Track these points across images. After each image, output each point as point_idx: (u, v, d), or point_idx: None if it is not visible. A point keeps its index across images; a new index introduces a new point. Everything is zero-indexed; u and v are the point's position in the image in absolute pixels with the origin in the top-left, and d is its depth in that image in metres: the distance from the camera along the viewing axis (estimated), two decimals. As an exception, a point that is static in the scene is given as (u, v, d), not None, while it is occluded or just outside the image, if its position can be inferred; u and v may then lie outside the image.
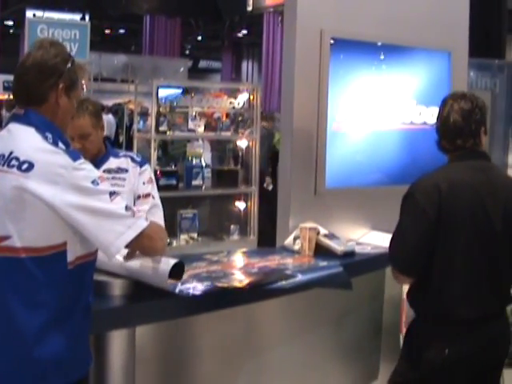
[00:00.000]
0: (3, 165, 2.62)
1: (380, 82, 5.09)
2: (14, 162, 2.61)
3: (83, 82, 2.93)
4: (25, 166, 2.58)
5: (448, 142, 3.53)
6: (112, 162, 4.25)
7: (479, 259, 3.39)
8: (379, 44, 5.08)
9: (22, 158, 2.60)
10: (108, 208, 2.65)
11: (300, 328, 4.43)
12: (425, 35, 5.28)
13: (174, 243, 8.37)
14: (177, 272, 3.25)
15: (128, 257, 3.03)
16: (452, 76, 5.41)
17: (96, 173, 2.70)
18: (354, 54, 4.96)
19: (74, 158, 2.63)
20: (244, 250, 4.68)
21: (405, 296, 3.89)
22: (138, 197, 4.35)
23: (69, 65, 2.75)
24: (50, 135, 2.67)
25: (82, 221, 2.60)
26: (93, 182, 2.63)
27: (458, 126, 3.47)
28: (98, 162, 4.19)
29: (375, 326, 4.88)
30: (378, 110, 5.10)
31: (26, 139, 2.66)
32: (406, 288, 3.79)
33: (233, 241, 8.77)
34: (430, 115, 5.27)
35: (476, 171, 3.48)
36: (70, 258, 2.64)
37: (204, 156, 9.24)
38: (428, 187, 3.42)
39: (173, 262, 3.23)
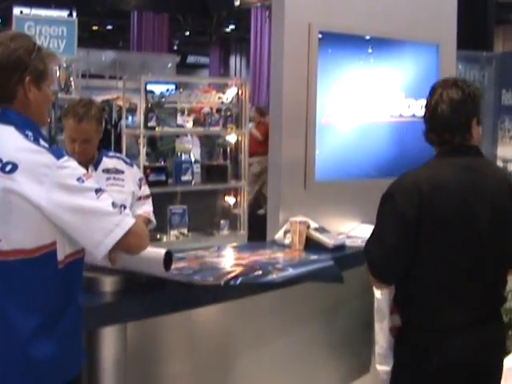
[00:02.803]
0: None
1: (368, 76, 5.09)
2: None
3: (54, 68, 2.86)
4: (8, 168, 2.52)
5: (435, 134, 3.28)
6: (106, 163, 4.29)
7: (465, 262, 3.17)
8: (367, 37, 5.08)
9: (4, 160, 2.53)
10: (95, 206, 2.60)
11: (291, 322, 4.43)
12: (413, 28, 5.29)
13: (165, 239, 8.37)
14: (167, 261, 3.25)
15: (112, 262, 2.99)
16: (440, 68, 5.41)
17: (81, 170, 2.64)
18: (342, 47, 4.95)
19: (58, 156, 2.57)
20: (234, 244, 4.68)
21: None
22: (139, 198, 4.41)
23: (33, 55, 2.65)
24: (30, 133, 2.61)
25: (69, 220, 2.55)
26: (78, 179, 2.57)
27: (446, 119, 3.21)
28: (95, 163, 4.23)
29: (366, 320, 4.85)
30: (366, 103, 5.10)
31: (6, 139, 2.59)
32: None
33: (223, 236, 8.78)
34: (419, 108, 5.28)
35: (462, 170, 3.22)
36: (60, 257, 2.60)
37: (193, 151, 9.23)
38: (408, 188, 3.17)
39: (163, 251, 3.23)
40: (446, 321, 3.21)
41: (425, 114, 3.36)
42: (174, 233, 8.46)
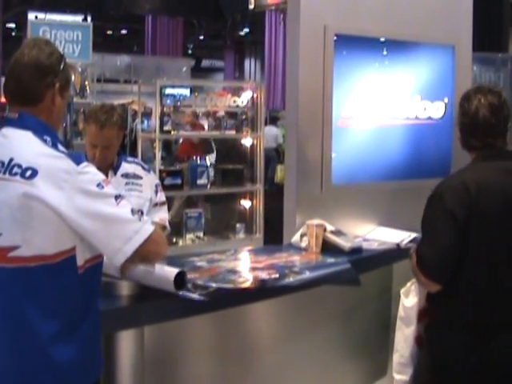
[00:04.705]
0: (4, 173, 2.55)
1: (384, 78, 5.07)
2: (16, 170, 2.53)
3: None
4: (28, 173, 2.52)
5: (477, 139, 3.34)
6: (126, 167, 4.30)
7: (509, 264, 3.24)
8: (383, 40, 5.06)
9: (24, 165, 2.53)
10: (115, 212, 2.59)
11: (307, 325, 4.42)
12: (428, 30, 5.26)
13: (180, 243, 8.38)
14: (179, 280, 3.23)
15: (123, 274, 2.98)
16: (456, 70, 5.39)
17: (100, 176, 2.63)
18: (357, 50, 4.93)
19: (77, 161, 2.57)
20: (251, 247, 4.67)
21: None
22: (155, 204, 4.41)
23: (62, 64, 2.69)
24: (48, 138, 2.60)
25: (88, 227, 2.54)
26: (98, 185, 2.57)
27: (488, 123, 3.30)
28: (114, 168, 4.24)
29: (383, 322, 4.86)
30: (382, 105, 5.08)
31: (25, 144, 2.59)
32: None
33: (239, 239, 8.77)
34: (435, 110, 5.26)
35: (504, 172, 3.30)
36: (80, 262, 2.59)
37: (209, 155, 9.25)
38: (457, 188, 3.23)
39: (175, 271, 3.21)
40: (489, 320, 3.23)
41: (463, 120, 3.40)
42: (189, 236, 8.47)
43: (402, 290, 3.84)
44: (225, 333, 3.92)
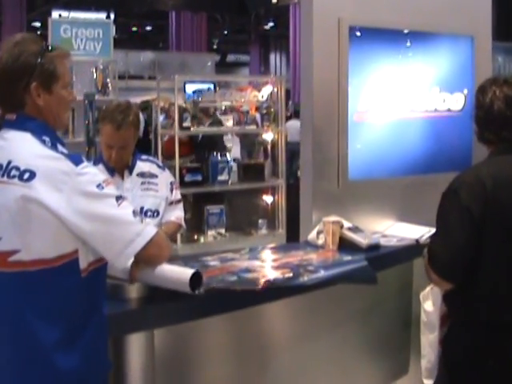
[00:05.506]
0: (3, 175, 2.51)
1: (401, 70, 4.97)
2: (14, 172, 2.49)
3: (69, 66, 2.71)
4: (26, 176, 2.47)
5: (492, 133, 3.22)
6: (140, 166, 4.26)
7: None
8: (399, 31, 4.96)
9: (22, 167, 2.48)
10: (115, 213, 2.54)
11: (326, 324, 4.34)
12: (446, 20, 5.14)
13: (202, 239, 8.36)
14: (195, 281, 3.14)
15: (133, 279, 2.91)
16: (475, 61, 5.27)
17: (101, 176, 2.58)
18: (373, 42, 4.84)
19: (76, 162, 2.51)
20: (266, 246, 4.60)
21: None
22: (171, 203, 4.36)
23: (39, 58, 2.56)
24: (47, 138, 2.55)
25: (88, 229, 2.49)
26: (98, 185, 2.51)
27: (503, 116, 3.18)
28: (130, 167, 4.19)
29: (404, 320, 4.78)
30: (400, 98, 4.98)
31: (23, 146, 2.54)
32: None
33: (261, 235, 8.72)
34: (455, 102, 5.16)
35: None
36: (83, 265, 2.54)
37: (233, 150, 9.20)
38: (472, 183, 3.11)
39: (190, 271, 3.12)
40: (506, 320, 3.12)
41: (477, 113, 3.30)
42: (211, 233, 8.42)
43: (422, 294, 3.75)
44: (238, 335, 3.86)
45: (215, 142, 9.12)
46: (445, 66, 5.15)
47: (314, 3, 4.62)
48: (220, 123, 8.76)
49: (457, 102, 5.17)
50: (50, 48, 2.62)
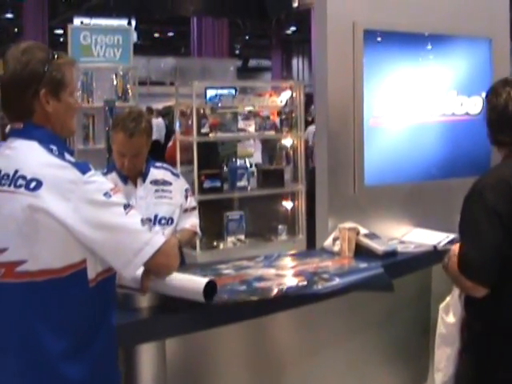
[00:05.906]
0: (9, 185, 2.49)
1: (417, 74, 4.91)
2: (20, 182, 2.47)
3: (76, 74, 2.71)
4: (33, 185, 2.45)
5: (506, 135, 3.16)
6: (154, 174, 4.24)
7: None
8: (415, 34, 4.89)
9: (28, 177, 2.46)
10: (123, 222, 2.51)
11: (343, 332, 4.30)
12: (463, 23, 5.07)
13: (222, 246, 8.30)
14: (209, 291, 3.09)
15: (145, 289, 2.88)
16: (493, 64, 5.19)
17: (108, 184, 2.55)
18: (388, 45, 4.78)
19: (83, 170, 2.49)
20: (281, 253, 4.55)
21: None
22: (185, 210, 4.34)
23: (47, 66, 2.56)
24: (54, 147, 2.53)
25: (96, 238, 2.46)
26: (105, 194, 2.49)
27: None
28: (144, 175, 4.17)
29: (423, 327, 4.71)
30: (417, 102, 4.92)
31: (30, 155, 2.52)
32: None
33: (281, 241, 8.65)
34: (472, 105, 5.09)
35: None
36: (91, 275, 2.52)
37: (255, 156, 9.15)
38: (496, 184, 3.04)
39: (204, 281, 3.07)
40: None
41: (490, 115, 3.24)
42: (231, 239, 8.36)
43: (441, 307, 3.65)
44: (251, 344, 3.81)
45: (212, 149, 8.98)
46: (462, 69, 5.09)
47: (329, 7, 4.58)
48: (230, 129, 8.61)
49: (475, 105, 5.10)
50: (56, 56, 2.62)
